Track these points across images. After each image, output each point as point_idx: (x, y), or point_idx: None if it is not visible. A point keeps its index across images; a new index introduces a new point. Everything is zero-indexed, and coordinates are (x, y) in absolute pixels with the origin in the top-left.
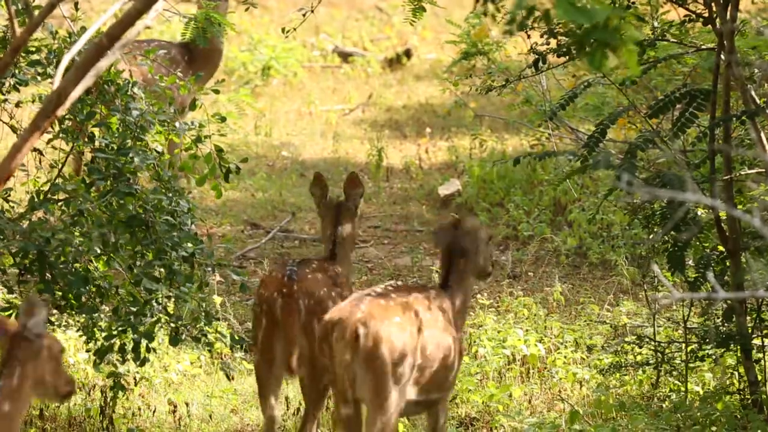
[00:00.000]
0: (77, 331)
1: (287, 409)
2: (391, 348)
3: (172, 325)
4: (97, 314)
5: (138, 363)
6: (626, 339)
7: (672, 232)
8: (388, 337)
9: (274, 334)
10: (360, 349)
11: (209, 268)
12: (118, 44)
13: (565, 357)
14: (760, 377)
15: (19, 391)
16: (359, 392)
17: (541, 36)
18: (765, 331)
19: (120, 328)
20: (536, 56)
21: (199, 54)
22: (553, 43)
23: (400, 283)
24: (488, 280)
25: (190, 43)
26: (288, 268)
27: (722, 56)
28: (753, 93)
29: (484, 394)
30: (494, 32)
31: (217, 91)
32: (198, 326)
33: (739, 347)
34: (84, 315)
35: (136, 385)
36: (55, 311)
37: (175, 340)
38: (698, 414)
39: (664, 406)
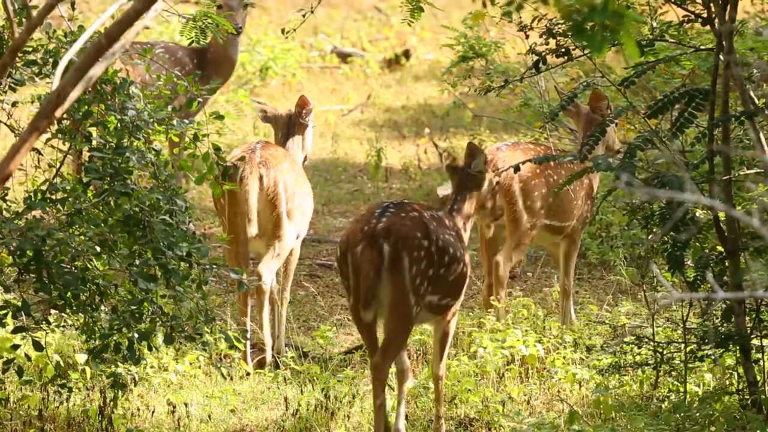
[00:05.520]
0: (76, 330)
1: (286, 410)
2: None
3: (168, 324)
4: (97, 313)
5: (133, 362)
6: (625, 339)
7: (671, 233)
8: None
9: None
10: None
11: (206, 267)
12: (117, 45)
13: (564, 357)
14: (759, 377)
15: (471, 210)
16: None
17: (540, 36)
18: (764, 332)
19: (117, 327)
20: (536, 57)
21: (209, 60)
22: (552, 43)
23: None
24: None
25: (203, 49)
26: None
27: (721, 57)
28: (752, 93)
29: (483, 394)
30: (492, 33)
31: (213, 91)
32: (195, 326)
33: (738, 347)
34: (82, 314)
35: (135, 385)
36: (53, 311)
37: (169, 339)
38: (697, 414)
39: (663, 406)
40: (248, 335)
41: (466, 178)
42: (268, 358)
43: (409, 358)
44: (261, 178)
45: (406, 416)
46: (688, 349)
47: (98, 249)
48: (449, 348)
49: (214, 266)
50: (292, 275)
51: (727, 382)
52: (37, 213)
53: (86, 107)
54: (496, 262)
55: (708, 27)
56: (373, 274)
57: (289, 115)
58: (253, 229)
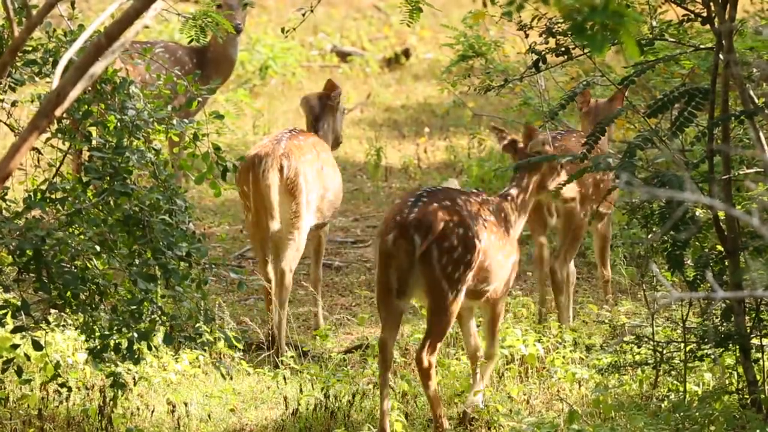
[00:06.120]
0: (76, 329)
1: (286, 409)
2: None
3: (168, 324)
4: (96, 312)
5: (133, 362)
6: (625, 339)
7: (671, 232)
8: None
9: None
10: None
11: (206, 267)
12: (116, 44)
13: (563, 357)
14: (758, 377)
15: (529, 191)
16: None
17: (540, 35)
18: (764, 331)
19: (117, 327)
20: (536, 56)
21: (209, 60)
22: (552, 42)
23: None
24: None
25: (202, 48)
26: None
27: (721, 56)
28: (751, 92)
29: (482, 394)
30: (492, 32)
31: (213, 91)
32: (195, 326)
33: (737, 347)
34: (82, 314)
35: (135, 384)
36: (53, 310)
37: (169, 339)
38: (697, 414)
39: (662, 405)
40: (277, 325)
41: (524, 159)
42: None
43: (408, 357)
44: (282, 169)
45: (406, 415)
46: (687, 348)
47: (98, 248)
48: (499, 329)
49: (214, 266)
50: (322, 257)
51: (727, 382)
52: (36, 212)
53: (86, 106)
54: (552, 270)
55: (708, 26)
56: (406, 264)
57: (319, 97)
58: (275, 225)
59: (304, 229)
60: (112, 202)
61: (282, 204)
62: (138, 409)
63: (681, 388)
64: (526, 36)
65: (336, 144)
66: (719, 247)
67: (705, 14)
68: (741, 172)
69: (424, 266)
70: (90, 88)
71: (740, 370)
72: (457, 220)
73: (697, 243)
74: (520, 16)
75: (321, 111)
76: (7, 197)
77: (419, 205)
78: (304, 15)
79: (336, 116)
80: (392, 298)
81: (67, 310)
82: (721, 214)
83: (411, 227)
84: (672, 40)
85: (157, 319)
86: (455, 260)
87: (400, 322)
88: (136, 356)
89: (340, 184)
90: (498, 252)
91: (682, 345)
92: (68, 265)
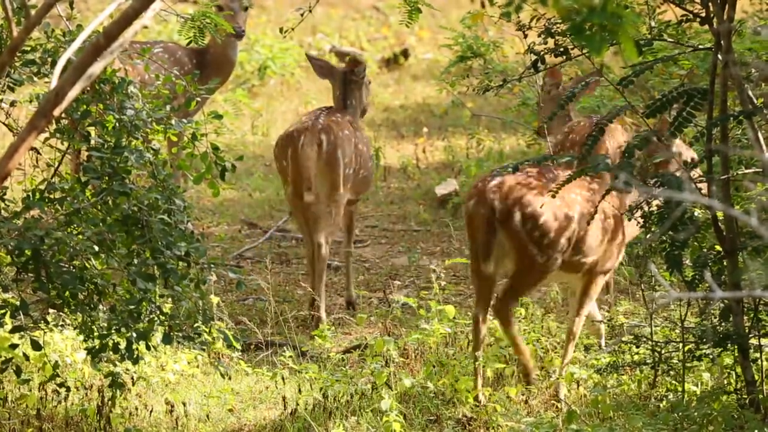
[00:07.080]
0: (74, 329)
1: (284, 409)
2: None
3: (167, 324)
4: (95, 312)
5: (132, 362)
6: (623, 339)
7: (669, 232)
8: None
9: None
10: None
11: (205, 266)
12: (115, 44)
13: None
14: (757, 377)
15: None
16: None
17: (539, 36)
18: (762, 331)
19: (115, 327)
20: (535, 57)
21: (208, 61)
22: (551, 43)
23: None
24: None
25: (202, 49)
26: None
27: (719, 56)
28: (750, 93)
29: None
30: (491, 32)
31: (212, 91)
32: (194, 325)
33: (736, 347)
34: (81, 313)
35: (133, 384)
36: (51, 310)
37: (168, 338)
38: (695, 414)
39: (661, 405)
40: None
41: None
42: (323, 316)
43: (407, 357)
44: (320, 144)
45: (404, 416)
46: (686, 348)
47: (96, 248)
48: (587, 308)
49: (213, 266)
50: (354, 231)
51: (725, 382)
52: (35, 212)
53: (85, 106)
54: None
55: (706, 26)
56: (485, 228)
57: (344, 72)
58: (309, 197)
59: (342, 203)
60: (110, 202)
61: (319, 177)
62: (136, 409)
63: (679, 388)
64: (525, 36)
65: (362, 114)
66: (718, 247)
67: (704, 14)
68: (740, 173)
69: (507, 231)
70: (88, 88)
71: (738, 370)
72: (541, 191)
73: (695, 243)
74: (518, 17)
75: (347, 86)
76: (5, 197)
77: (503, 173)
78: (302, 15)
79: (362, 90)
80: (480, 264)
81: (66, 309)
82: (720, 214)
83: (490, 192)
84: (671, 40)
85: (156, 318)
86: (539, 226)
87: (491, 295)
88: (134, 356)
89: (373, 162)
90: (589, 228)
91: (681, 345)
92: (67, 265)
